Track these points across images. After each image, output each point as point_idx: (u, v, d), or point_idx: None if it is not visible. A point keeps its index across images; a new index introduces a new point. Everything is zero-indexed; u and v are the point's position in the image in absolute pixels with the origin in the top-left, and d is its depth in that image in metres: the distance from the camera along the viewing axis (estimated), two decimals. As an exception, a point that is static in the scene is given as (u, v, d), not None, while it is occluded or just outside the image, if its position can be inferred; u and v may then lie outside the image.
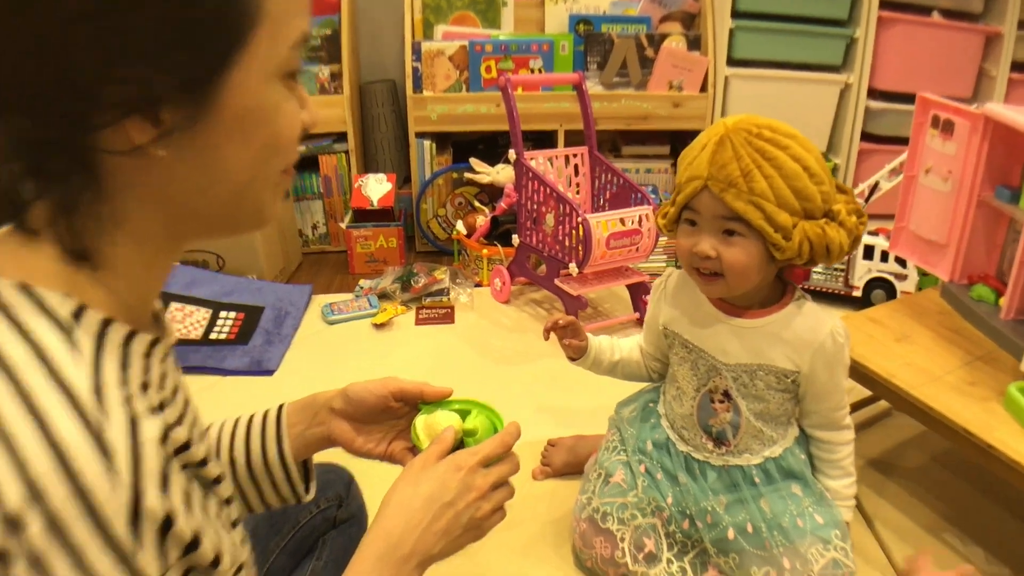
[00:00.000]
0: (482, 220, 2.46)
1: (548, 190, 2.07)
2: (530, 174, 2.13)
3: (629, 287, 2.18)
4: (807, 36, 2.60)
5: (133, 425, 0.47)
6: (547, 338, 1.31)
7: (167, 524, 0.47)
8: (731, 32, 2.57)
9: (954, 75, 2.69)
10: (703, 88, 2.64)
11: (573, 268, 2.02)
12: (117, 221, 0.52)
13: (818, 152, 1.05)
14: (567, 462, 1.57)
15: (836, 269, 2.39)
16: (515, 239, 2.23)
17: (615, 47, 2.61)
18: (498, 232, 2.41)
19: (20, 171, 0.49)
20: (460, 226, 2.51)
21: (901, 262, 2.21)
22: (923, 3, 2.61)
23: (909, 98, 1.77)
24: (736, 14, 2.57)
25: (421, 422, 0.82)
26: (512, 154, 2.15)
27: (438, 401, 0.85)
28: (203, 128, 0.50)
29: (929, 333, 1.54)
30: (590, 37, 2.63)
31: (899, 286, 2.22)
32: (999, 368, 1.43)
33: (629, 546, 1.24)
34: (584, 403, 1.78)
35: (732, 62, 2.61)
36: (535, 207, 2.14)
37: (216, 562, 0.54)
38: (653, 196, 2.19)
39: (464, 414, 0.82)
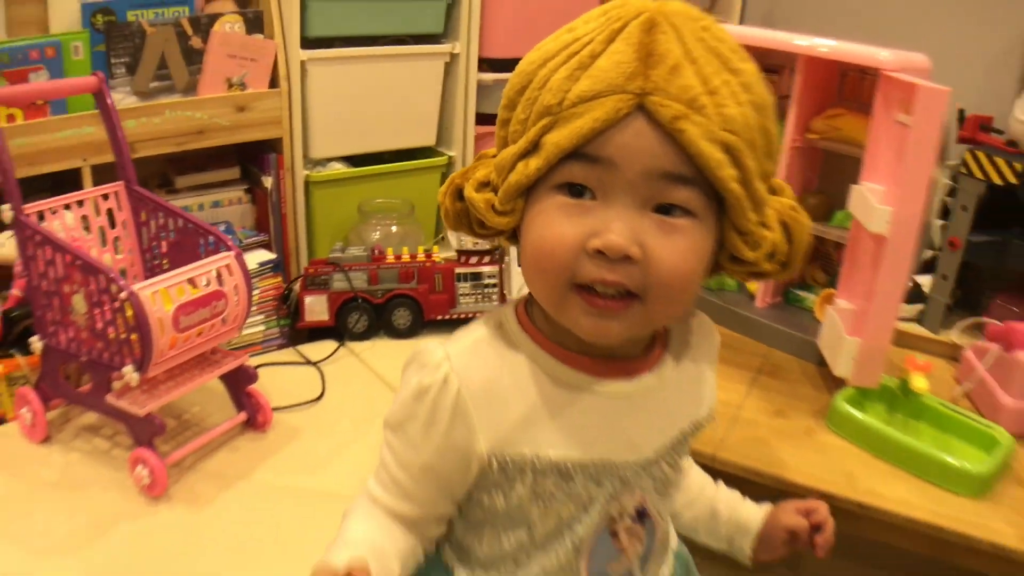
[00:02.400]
0: (-11, 316, 1.63)
1: (69, 257, 1.33)
2: (37, 237, 1.36)
3: (224, 378, 1.51)
4: (398, 0, 2.10)
5: None
6: None
7: None
8: (302, 4, 1.98)
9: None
10: (273, 83, 2.02)
11: (130, 373, 1.30)
12: None
13: None
14: None
15: (488, 284, 1.95)
16: (34, 343, 1.45)
17: (148, 40, 1.89)
18: (16, 334, 1.59)
19: None
20: (-46, 332, 1.65)
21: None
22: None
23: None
24: (305, -19, 1.99)
25: None
26: (5, 210, 1.37)
27: None
28: None
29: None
30: (113, 30, 1.88)
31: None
32: (790, 378, 1.13)
33: None
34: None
35: (308, 43, 2.02)
36: (54, 287, 1.38)
37: None
38: (231, 237, 1.54)
39: None
